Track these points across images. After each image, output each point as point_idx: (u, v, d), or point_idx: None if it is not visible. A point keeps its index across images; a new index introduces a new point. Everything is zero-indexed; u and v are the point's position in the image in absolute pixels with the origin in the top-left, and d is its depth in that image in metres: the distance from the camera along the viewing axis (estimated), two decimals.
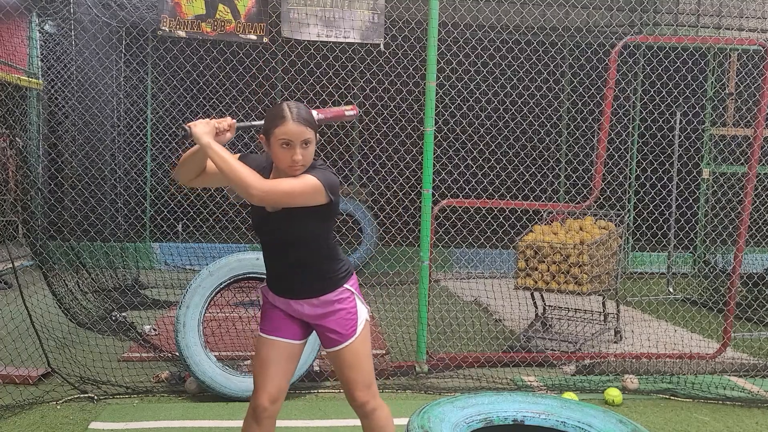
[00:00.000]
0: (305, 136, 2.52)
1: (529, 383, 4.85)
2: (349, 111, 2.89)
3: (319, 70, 6.39)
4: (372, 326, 6.29)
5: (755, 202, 5.93)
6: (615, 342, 6.00)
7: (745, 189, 5.20)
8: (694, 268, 9.78)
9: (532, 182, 10.27)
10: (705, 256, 9.09)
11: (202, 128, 2.50)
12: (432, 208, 4.94)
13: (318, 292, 2.75)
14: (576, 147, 10.57)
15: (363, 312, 2.82)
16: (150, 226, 9.75)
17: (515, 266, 5.80)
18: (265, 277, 4.40)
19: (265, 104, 9.27)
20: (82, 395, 4.34)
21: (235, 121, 2.63)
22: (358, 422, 2.89)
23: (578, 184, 10.70)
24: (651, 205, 7.32)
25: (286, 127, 2.49)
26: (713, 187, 9.43)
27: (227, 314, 5.92)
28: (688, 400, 4.63)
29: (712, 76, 10.06)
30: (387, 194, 7.05)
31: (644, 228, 8.05)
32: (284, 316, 2.81)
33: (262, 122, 2.67)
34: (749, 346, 6.03)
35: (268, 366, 2.77)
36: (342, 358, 2.78)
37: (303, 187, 2.52)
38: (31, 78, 7.93)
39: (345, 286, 2.78)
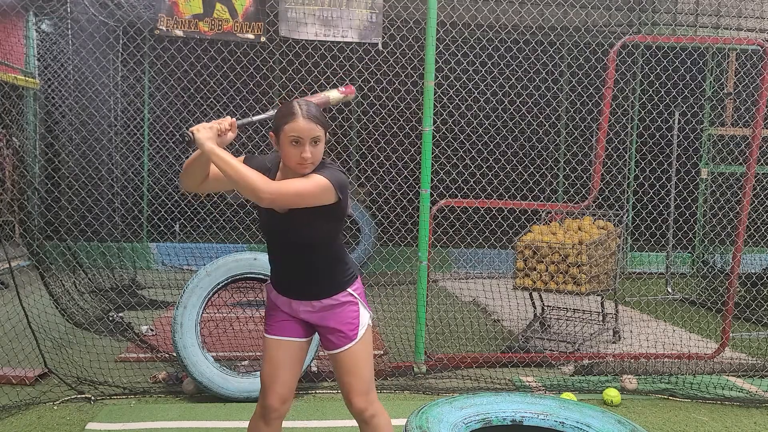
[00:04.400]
0: (315, 134, 2.50)
1: (527, 383, 4.84)
2: (336, 93, 2.82)
3: (317, 70, 6.37)
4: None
5: (754, 202, 5.92)
6: (613, 342, 5.99)
7: (743, 189, 5.19)
8: (692, 268, 9.77)
9: (531, 182, 10.26)
10: (704, 256, 9.09)
11: (204, 133, 2.44)
12: (430, 208, 4.92)
13: (321, 295, 2.71)
14: (575, 147, 10.57)
15: (365, 317, 2.77)
16: (147, 226, 9.72)
17: (514, 266, 5.79)
18: (264, 277, 4.44)
19: (262, 104, 9.24)
20: (79, 396, 4.33)
21: (235, 119, 2.58)
22: (356, 423, 2.88)
23: (577, 184, 10.70)
24: (650, 205, 7.31)
25: (296, 123, 2.47)
26: (712, 187, 9.43)
27: (225, 315, 5.90)
28: (686, 400, 4.62)
29: (711, 75, 10.06)
30: (385, 194, 7.03)
31: (643, 228, 8.04)
32: (288, 316, 2.78)
33: (264, 116, 2.68)
34: (748, 346, 6.03)
35: (276, 367, 2.74)
36: (341, 362, 2.73)
37: (313, 187, 2.48)
38: (28, 77, 7.90)
39: (348, 290, 2.74)
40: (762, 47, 5.13)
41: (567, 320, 6.22)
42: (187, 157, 2.61)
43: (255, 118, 2.70)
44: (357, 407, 2.73)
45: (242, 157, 2.64)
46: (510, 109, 7.43)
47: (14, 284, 4.63)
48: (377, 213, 9.14)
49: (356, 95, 2.82)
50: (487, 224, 6.19)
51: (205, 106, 8.87)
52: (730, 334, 5.44)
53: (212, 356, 4.42)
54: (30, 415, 4.04)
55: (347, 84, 2.93)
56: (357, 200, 9.97)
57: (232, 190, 2.68)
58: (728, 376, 5.08)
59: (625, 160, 10.26)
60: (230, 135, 2.54)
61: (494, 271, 9.38)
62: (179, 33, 5.32)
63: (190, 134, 2.45)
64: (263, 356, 2.79)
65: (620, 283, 6.32)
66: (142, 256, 9.30)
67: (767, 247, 6.31)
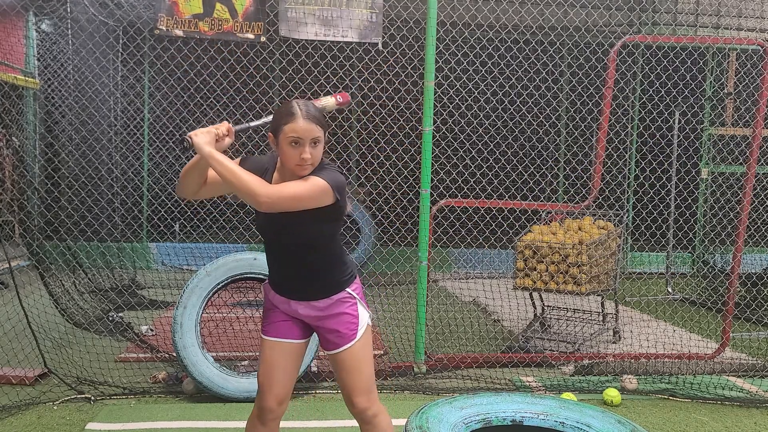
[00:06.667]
0: (314, 135, 2.48)
1: (527, 384, 4.84)
2: (332, 101, 2.79)
3: (317, 70, 6.37)
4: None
5: (754, 202, 5.92)
6: (614, 342, 5.99)
7: (743, 189, 5.19)
8: (693, 268, 9.77)
9: (531, 182, 10.26)
10: (704, 256, 9.08)
11: (202, 138, 2.43)
12: (430, 208, 4.92)
13: (319, 295, 2.70)
14: (575, 147, 10.56)
15: (364, 316, 2.77)
16: (147, 226, 9.72)
17: (514, 266, 5.79)
18: (264, 277, 4.44)
19: (262, 104, 9.24)
20: (79, 396, 4.33)
21: (231, 125, 2.56)
22: (356, 423, 2.87)
23: (577, 184, 10.69)
24: (650, 205, 7.31)
25: (296, 124, 2.45)
26: (712, 187, 9.43)
27: (225, 315, 5.90)
28: (686, 400, 4.62)
29: (711, 75, 10.06)
30: (385, 194, 7.03)
31: (643, 228, 8.05)
32: (285, 317, 2.78)
33: (260, 122, 2.70)
34: (748, 346, 6.02)
35: (273, 368, 2.75)
36: (341, 362, 2.73)
37: (310, 189, 2.46)
38: (28, 77, 7.89)
39: (347, 290, 2.74)
40: (762, 47, 5.13)
41: (567, 320, 6.21)
42: (184, 164, 2.60)
43: (252, 123, 2.69)
44: (359, 407, 2.72)
45: (238, 159, 2.64)
46: (510, 109, 7.42)
47: (14, 284, 4.63)
48: (377, 213, 9.13)
49: (351, 103, 2.80)
50: (487, 224, 6.19)
51: (205, 106, 8.87)
52: (731, 334, 5.44)
53: (212, 356, 4.42)
54: (30, 415, 4.04)
55: (341, 91, 2.92)
56: (357, 200, 9.97)
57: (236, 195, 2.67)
58: (728, 376, 5.08)
59: (625, 160, 10.26)
60: (227, 140, 2.54)
61: (494, 271, 9.38)
62: (179, 33, 5.32)
63: (189, 139, 2.44)
64: (260, 357, 2.80)
65: (620, 283, 6.31)
66: (142, 256, 9.30)
67: (767, 247, 6.31)
